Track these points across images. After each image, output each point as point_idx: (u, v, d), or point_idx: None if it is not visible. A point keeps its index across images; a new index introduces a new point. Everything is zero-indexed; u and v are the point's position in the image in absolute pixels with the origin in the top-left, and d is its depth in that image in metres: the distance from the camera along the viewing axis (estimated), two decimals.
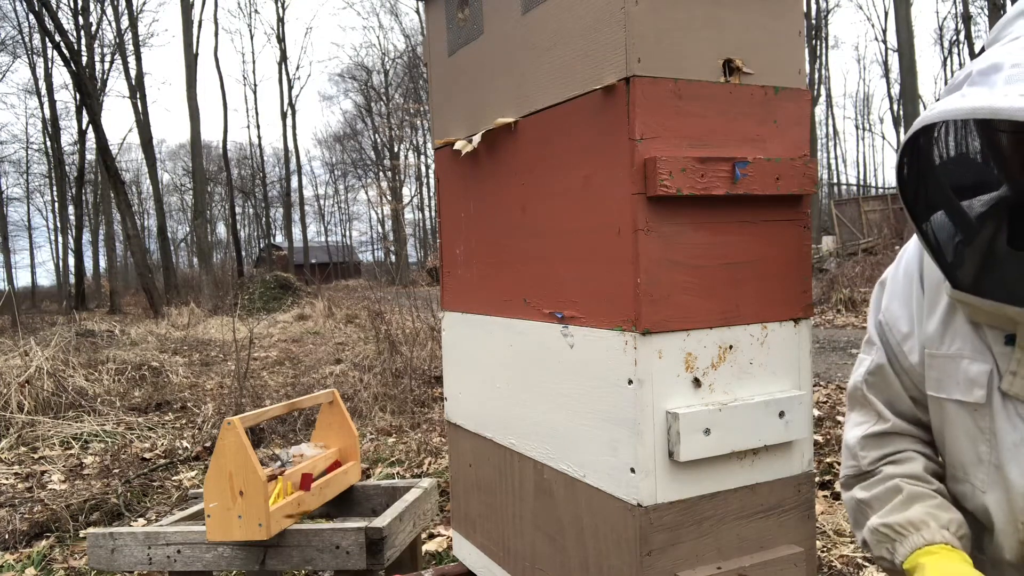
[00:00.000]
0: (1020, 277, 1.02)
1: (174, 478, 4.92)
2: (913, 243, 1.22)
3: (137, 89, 26.02)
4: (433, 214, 38.68)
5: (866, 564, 2.95)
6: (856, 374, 1.29)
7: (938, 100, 0.98)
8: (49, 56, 29.69)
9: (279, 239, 44.25)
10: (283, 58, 37.89)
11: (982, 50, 1.02)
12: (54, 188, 33.20)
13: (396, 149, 43.95)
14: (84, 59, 23.33)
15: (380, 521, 2.15)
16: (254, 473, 2.02)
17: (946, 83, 1.09)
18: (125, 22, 27.49)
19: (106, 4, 27.79)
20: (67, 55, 18.18)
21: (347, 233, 56.57)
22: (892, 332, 1.21)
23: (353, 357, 8.68)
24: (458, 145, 1.36)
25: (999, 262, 1.04)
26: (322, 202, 55.34)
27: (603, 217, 1.02)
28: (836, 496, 3.74)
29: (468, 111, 1.39)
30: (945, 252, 1.07)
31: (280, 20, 43.22)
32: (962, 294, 1.05)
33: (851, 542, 3.16)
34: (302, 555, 2.13)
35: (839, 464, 4.16)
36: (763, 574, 1.06)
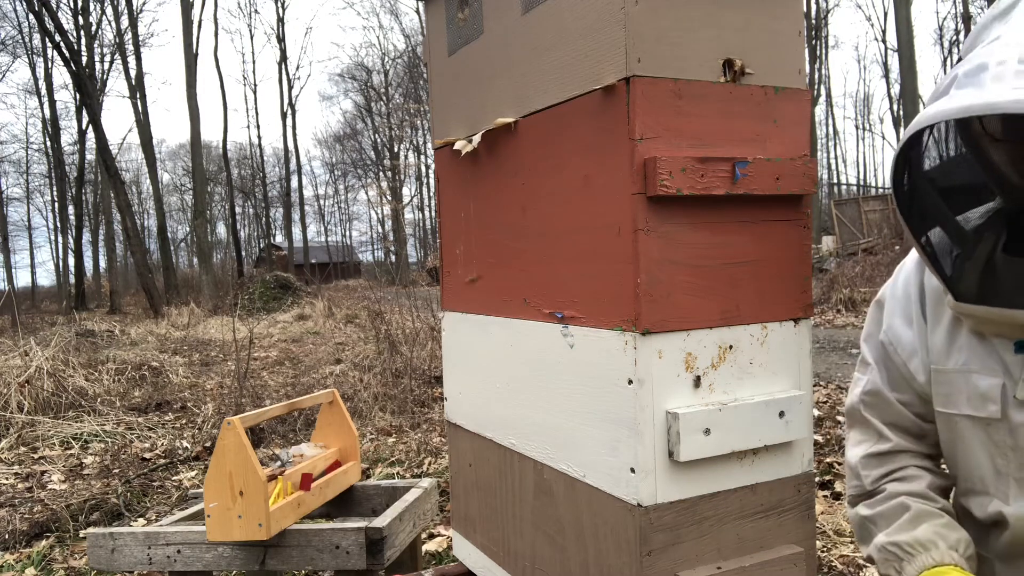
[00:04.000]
0: (1021, 283, 1.01)
1: (174, 478, 4.92)
2: (911, 259, 1.21)
3: (137, 89, 26.03)
4: (433, 214, 38.68)
5: (866, 564, 2.95)
6: (853, 394, 1.28)
7: (926, 108, 0.98)
8: (49, 56, 29.69)
9: (279, 239, 44.25)
10: (283, 58, 37.89)
11: (959, 60, 1.01)
12: (54, 188, 33.17)
13: (396, 149, 43.96)
14: (84, 59, 23.33)
15: (380, 521, 2.15)
16: (254, 473, 2.02)
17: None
18: (125, 22, 27.52)
19: (106, 4, 27.81)
20: (67, 55, 18.18)
21: (347, 233, 56.60)
22: (896, 352, 1.20)
23: (353, 357, 8.68)
24: (458, 145, 1.36)
25: (999, 270, 1.03)
26: (322, 202, 55.40)
27: (603, 217, 1.02)
28: (836, 496, 3.74)
29: (468, 111, 1.39)
30: (945, 264, 1.05)
31: (280, 20, 43.23)
32: (966, 306, 1.04)
33: (851, 542, 3.16)
34: (302, 555, 2.13)
35: (839, 464, 4.16)
36: (763, 574, 1.06)
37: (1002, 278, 1.03)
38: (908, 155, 1.01)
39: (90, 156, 28.15)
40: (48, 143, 32.68)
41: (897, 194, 1.03)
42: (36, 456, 5.56)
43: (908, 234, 1.05)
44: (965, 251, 1.05)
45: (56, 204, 33.50)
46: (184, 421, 6.50)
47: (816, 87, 29.83)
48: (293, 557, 2.14)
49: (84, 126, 26.47)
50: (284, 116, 38.76)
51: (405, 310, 9.26)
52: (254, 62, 64.22)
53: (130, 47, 27.34)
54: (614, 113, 0.99)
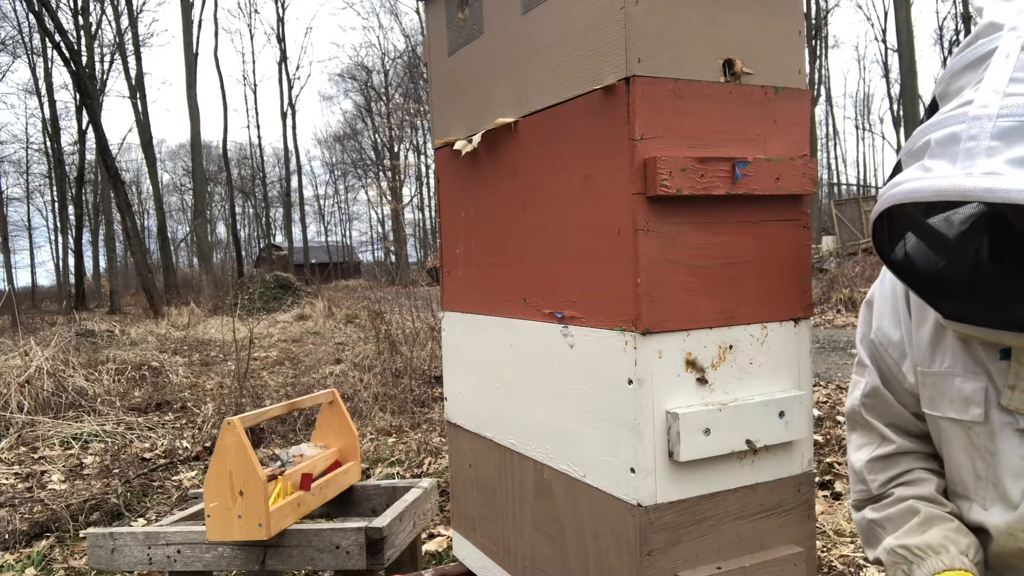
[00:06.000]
0: (1008, 294, 1.00)
1: (174, 478, 4.92)
2: None
3: (137, 89, 26.05)
4: (433, 214, 38.69)
5: (866, 564, 2.95)
6: (852, 396, 1.28)
7: (899, 167, 0.96)
8: (49, 56, 29.69)
9: (279, 239, 44.28)
10: (283, 58, 37.91)
11: (933, 101, 1.00)
12: (54, 188, 33.18)
13: (396, 149, 43.96)
14: (84, 59, 23.35)
15: (380, 521, 2.15)
16: (254, 473, 2.02)
17: None
18: (125, 22, 27.54)
19: (106, 4, 27.82)
20: (67, 55, 18.17)
21: (347, 233, 56.63)
22: (887, 352, 1.20)
23: (353, 357, 8.68)
24: (458, 145, 1.36)
25: (984, 282, 1.02)
26: (322, 202, 55.45)
27: (603, 217, 1.02)
28: (836, 496, 3.74)
29: (468, 111, 1.39)
30: (928, 285, 1.05)
31: (280, 20, 43.29)
32: (956, 324, 1.03)
33: (851, 542, 3.16)
34: (302, 555, 2.13)
35: (839, 464, 4.16)
36: (763, 574, 1.06)
37: (987, 290, 1.02)
38: (883, 222, 1.01)
39: (90, 156, 28.17)
40: (48, 143, 32.68)
41: (875, 238, 1.02)
42: (36, 456, 5.56)
43: (887, 267, 1.05)
44: (948, 264, 1.04)
45: (56, 204, 33.52)
46: (184, 421, 6.50)
47: (816, 87, 29.83)
48: (293, 557, 2.14)
49: (84, 126, 26.48)
50: (284, 116, 38.78)
51: (405, 310, 9.26)
52: (254, 62, 64.25)
53: (130, 47, 27.36)
54: (614, 113, 0.99)
